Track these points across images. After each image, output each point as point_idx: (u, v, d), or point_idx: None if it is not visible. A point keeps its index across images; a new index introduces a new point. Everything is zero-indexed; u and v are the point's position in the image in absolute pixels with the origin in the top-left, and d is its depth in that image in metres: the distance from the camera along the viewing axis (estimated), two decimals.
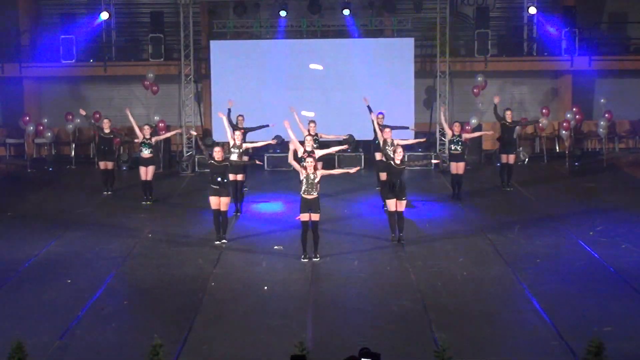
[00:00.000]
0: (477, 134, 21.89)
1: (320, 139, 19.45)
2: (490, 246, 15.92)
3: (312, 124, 18.96)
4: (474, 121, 24.39)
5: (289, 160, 15.46)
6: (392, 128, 18.35)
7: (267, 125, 20.25)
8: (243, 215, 18.35)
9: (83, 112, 21.29)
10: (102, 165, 20.62)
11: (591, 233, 16.63)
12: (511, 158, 20.70)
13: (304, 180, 14.87)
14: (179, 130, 20.95)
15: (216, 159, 16.02)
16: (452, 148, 19.53)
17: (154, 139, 19.67)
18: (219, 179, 16.05)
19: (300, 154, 16.46)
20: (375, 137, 19.09)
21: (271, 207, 19.42)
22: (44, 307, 12.89)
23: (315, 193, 14.87)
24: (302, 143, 16.82)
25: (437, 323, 12.01)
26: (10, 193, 21.26)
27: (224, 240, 16.15)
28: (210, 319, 12.42)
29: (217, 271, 14.63)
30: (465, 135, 20.03)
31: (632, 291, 13.34)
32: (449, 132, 19.67)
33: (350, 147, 21.82)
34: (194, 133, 19.86)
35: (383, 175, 17.72)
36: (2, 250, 15.96)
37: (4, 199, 20.40)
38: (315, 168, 14.98)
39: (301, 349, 8.86)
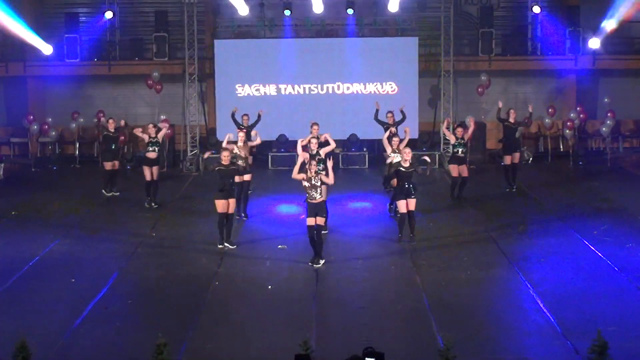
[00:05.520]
0: (471, 129, 21.07)
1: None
2: (494, 245, 15.92)
3: (315, 126, 18.76)
4: (467, 120, 24.35)
5: (293, 175, 14.94)
6: (397, 125, 19.16)
7: (259, 116, 19.96)
8: (247, 213, 18.30)
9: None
10: (109, 165, 20.30)
11: (595, 232, 16.62)
12: (516, 157, 20.62)
13: (307, 184, 14.74)
14: (165, 128, 20.26)
15: (223, 163, 15.84)
16: (455, 151, 19.29)
17: (160, 135, 19.44)
18: (227, 183, 15.83)
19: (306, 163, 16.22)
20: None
21: (275, 206, 19.42)
22: (48, 306, 12.91)
23: (320, 196, 14.79)
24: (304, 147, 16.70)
25: (441, 322, 12.01)
26: (14, 192, 21.28)
27: (228, 245, 15.90)
28: (214, 318, 12.44)
29: (221, 270, 14.64)
30: (467, 136, 19.89)
31: (636, 290, 13.33)
32: (452, 137, 19.47)
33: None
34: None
35: (395, 181, 17.41)
36: (6, 249, 15.99)
37: (8, 198, 20.42)
38: (323, 170, 14.84)
39: (305, 348, 8.86)
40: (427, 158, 16.90)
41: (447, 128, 20.28)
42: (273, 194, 20.56)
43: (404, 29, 25.22)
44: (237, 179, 17.29)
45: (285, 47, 24.90)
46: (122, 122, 21.66)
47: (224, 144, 17.28)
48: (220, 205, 15.84)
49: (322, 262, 14.77)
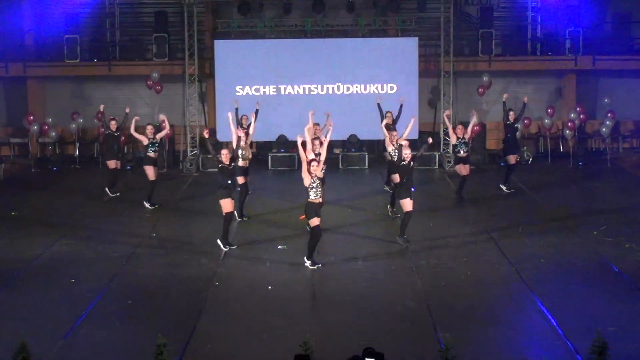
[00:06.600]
0: (470, 128, 21.03)
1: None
2: (494, 246, 15.91)
3: (317, 127, 18.78)
4: (471, 114, 24.36)
5: (304, 177, 14.62)
6: (397, 118, 19.61)
7: (257, 110, 19.77)
8: (246, 214, 18.30)
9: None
10: (112, 164, 20.20)
11: (595, 233, 16.62)
12: (512, 158, 20.51)
13: (312, 184, 14.59)
14: (166, 130, 20.22)
15: (224, 161, 15.79)
16: (457, 150, 19.34)
17: (158, 136, 19.42)
18: (230, 182, 15.80)
19: (309, 151, 16.18)
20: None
21: (275, 206, 19.39)
22: (47, 307, 12.92)
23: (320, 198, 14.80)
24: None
25: (440, 323, 12.02)
26: (15, 193, 21.28)
27: (229, 246, 15.95)
28: (214, 319, 12.44)
29: (220, 271, 14.64)
30: (467, 135, 19.91)
31: (635, 291, 13.33)
32: (453, 137, 19.45)
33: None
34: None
35: (396, 177, 17.39)
36: (6, 250, 15.99)
37: (8, 199, 20.42)
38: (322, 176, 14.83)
39: (305, 348, 8.88)
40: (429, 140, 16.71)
41: (448, 118, 20.40)
42: (273, 195, 20.55)
43: (404, 29, 25.22)
44: (241, 179, 17.28)
45: (285, 48, 24.89)
46: (101, 107, 22.00)
47: (231, 125, 17.42)
48: (228, 204, 15.76)
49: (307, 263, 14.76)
